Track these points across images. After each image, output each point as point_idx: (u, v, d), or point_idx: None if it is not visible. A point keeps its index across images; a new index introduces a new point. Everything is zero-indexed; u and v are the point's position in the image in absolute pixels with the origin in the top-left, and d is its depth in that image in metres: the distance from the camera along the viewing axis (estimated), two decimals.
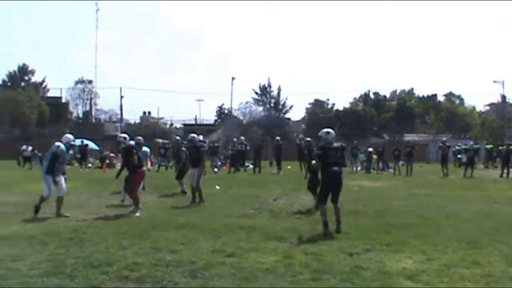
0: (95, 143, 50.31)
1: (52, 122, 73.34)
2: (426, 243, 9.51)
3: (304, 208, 14.35)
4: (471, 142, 39.24)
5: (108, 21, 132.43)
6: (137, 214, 12.90)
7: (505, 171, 30.42)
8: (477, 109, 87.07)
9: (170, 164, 34.10)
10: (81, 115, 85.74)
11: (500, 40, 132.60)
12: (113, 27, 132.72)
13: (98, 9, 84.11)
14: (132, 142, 14.72)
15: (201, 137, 32.03)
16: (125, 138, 14.00)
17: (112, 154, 40.29)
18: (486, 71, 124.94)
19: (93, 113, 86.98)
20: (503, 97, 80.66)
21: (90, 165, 39.59)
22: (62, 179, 13.17)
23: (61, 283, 6.94)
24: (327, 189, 11.06)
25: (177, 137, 27.63)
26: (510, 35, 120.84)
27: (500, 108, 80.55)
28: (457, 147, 44.43)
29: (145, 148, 18.46)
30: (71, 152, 13.60)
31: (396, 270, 7.65)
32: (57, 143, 13.26)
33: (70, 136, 13.70)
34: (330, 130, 11.48)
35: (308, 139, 14.92)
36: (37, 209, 12.74)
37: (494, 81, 75.20)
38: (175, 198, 17.10)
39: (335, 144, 11.28)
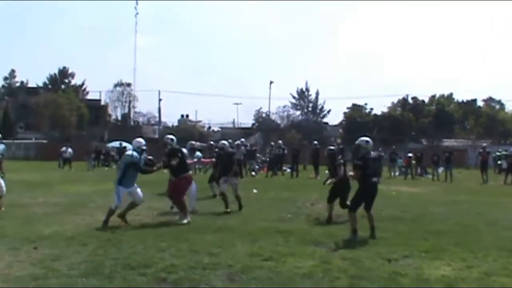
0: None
1: (91, 125, 74.35)
2: (465, 251, 9.40)
3: (341, 213, 14.25)
4: None
5: (147, 24, 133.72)
6: (185, 221, 12.29)
7: None
8: None
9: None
10: (119, 118, 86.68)
11: None
12: (152, 31, 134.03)
13: (137, 13, 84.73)
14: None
15: (242, 140, 32.30)
16: (172, 139, 13.45)
17: (150, 157, 40.61)
18: None
19: (131, 116, 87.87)
20: None
21: None
22: (137, 189, 12.45)
23: (99, 283, 7.01)
24: (362, 199, 10.99)
25: (211, 141, 27.96)
26: None
27: None
28: (497, 153, 43.75)
29: (198, 153, 18.25)
30: (144, 155, 12.74)
31: (435, 277, 7.58)
32: (129, 152, 12.47)
33: (141, 140, 12.78)
34: (368, 139, 11.26)
35: (332, 147, 14.38)
36: (105, 223, 11.79)
37: None
38: (212, 201, 17.14)
39: (373, 154, 11.25)
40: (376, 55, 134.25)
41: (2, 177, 14.35)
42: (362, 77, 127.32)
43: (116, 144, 44.42)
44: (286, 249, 9.16)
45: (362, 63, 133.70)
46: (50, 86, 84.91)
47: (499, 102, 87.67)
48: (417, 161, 35.73)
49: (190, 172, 14.03)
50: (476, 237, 10.94)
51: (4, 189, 14.17)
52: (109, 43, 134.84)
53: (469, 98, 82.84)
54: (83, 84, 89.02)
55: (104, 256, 8.49)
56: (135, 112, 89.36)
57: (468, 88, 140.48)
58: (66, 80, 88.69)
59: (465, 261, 8.62)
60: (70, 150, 40.29)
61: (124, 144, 43.10)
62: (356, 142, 11.21)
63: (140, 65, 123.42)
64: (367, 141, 11.14)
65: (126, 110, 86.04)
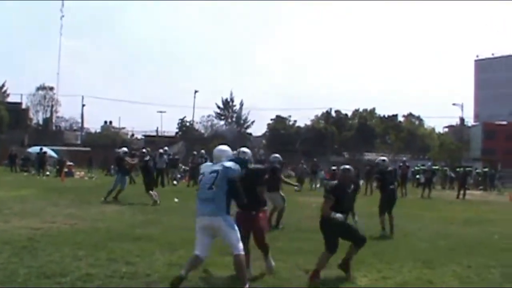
0: (54, 151, 49.63)
1: (11, 128, 72.22)
2: (381, 262, 9.62)
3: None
4: (429, 163, 39.83)
5: (73, 28, 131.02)
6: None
7: (462, 192, 30.96)
8: (436, 131, 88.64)
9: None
10: (41, 122, 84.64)
11: (460, 63, 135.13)
12: (78, 35, 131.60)
13: (63, 15, 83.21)
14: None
15: (166, 148, 32.11)
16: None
17: (70, 163, 39.86)
18: (446, 94, 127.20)
19: (53, 121, 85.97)
20: (462, 119, 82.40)
21: (48, 173, 39.00)
22: None
23: None
24: (387, 204, 13.78)
25: (143, 150, 27.78)
26: (469, 59, 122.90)
27: (459, 130, 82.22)
28: (416, 168, 44.95)
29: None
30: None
31: None
32: (227, 164, 7.65)
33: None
34: (385, 158, 14.91)
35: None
36: None
37: (454, 104, 76.84)
38: (133, 209, 16.94)
39: (390, 168, 14.31)
40: (301, 68, 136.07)
41: None
42: (286, 89, 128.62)
43: (36, 149, 43.23)
44: (206, 259, 9.13)
45: (286, 76, 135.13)
46: None
47: (418, 118, 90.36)
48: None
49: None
50: (392, 249, 11.21)
51: None
52: (32, 45, 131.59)
53: (391, 113, 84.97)
54: (3, 86, 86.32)
55: (19, 264, 8.25)
56: (57, 117, 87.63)
57: (389, 103, 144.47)
58: None
59: (381, 272, 8.82)
60: None
61: (45, 149, 42.07)
62: (376, 161, 14.63)
63: (64, 69, 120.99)
64: (383, 160, 14.73)
65: (48, 115, 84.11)
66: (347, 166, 9.19)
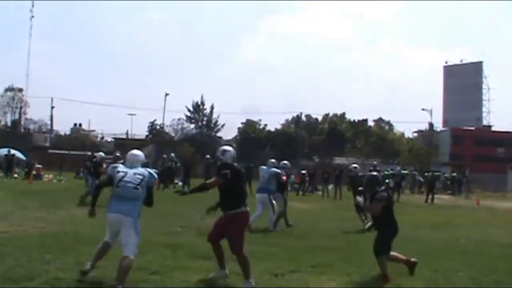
0: (22, 153, 49.07)
1: None
2: (351, 266, 9.70)
3: None
4: (399, 168, 40.17)
5: (42, 30, 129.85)
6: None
7: (430, 197, 31.30)
8: (406, 136, 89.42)
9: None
10: (9, 124, 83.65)
11: (429, 68, 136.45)
12: (48, 37, 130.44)
13: (32, 16, 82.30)
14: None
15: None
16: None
17: (39, 165, 39.45)
18: (416, 99, 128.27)
19: (22, 123, 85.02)
20: (431, 125, 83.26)
21: (16, 175, 38.56)
22: None
23: None
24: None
25: (117, 154, 28.00)
26: (437, 65, 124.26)
27: (428, 135, 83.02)
28: (385, 172, 45.25)
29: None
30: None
31: None
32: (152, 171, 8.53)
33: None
34: (356, 165, 16.01)
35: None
36: None
37: (423, 109, 77.44)
38: (103, 213, 16.78)
39: (360, 174, 14.35)
40: (271, 71, 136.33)
41: None
42: (257, 93, 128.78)
43: (4, 151, 42.71)
44: (174, 263, 9.13)
45: (257, 79, 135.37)
46: None
47: (388, 123, 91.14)
48: (310, 178, 36.46)
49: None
50: (361, 253, 11.25)
51: None
52: (1, 46, 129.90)
53: (361, 118, 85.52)
54: None
55: None
56: (26, 119, 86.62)
57: (359, 108, 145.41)
58: None
59: (350, 276, 8.91)
60: None
61: (13, 151, 41.59)
62: (349, 168, 15.02)
63: (33, 70, 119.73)
64: (355, 167, 15.56)
65: (17, 116, 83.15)
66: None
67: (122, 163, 9.33)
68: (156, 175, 8.34)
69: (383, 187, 10.25)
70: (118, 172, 8.10)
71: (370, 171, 32.98)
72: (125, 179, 7.95)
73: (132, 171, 8.06)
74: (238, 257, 8.15)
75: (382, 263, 9.05)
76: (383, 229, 9.75)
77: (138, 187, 7.93)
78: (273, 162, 16.19)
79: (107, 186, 8.55)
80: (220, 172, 8.47)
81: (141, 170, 8.14)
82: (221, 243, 8.58)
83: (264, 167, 15.97)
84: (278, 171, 15.67)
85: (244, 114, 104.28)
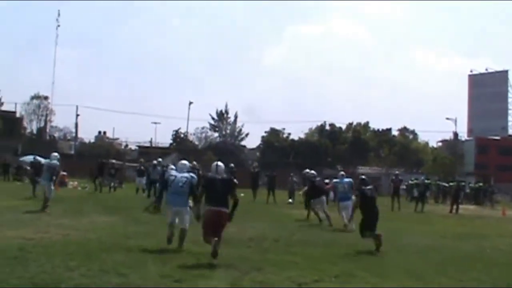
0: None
1: (5, 137, 71.98)
2: (373, 275, 9.60)
3: (255, 236, 14.35)
4: (423, 177, 39.83)
5: (68, 38, 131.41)
6: None
7: (454, 207, 30.99)
8: (430, 145, 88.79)
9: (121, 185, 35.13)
10: (35, 131, 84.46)
11: (454, 77, 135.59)
12: (74, 45, 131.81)
13: (59, 25, 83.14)
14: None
15: (160, 160, 32.33)
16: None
17: (64, 173, 39.72)
18: (440, 108, 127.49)
19: (47, 130, 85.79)
20: (455, 134, 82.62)
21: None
22: None
23: None
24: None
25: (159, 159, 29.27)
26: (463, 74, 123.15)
27: (452, 145, 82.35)
28: (410, 182, 44.84)
29: None
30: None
31: None
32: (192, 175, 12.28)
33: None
34: (364, 176, 15.20)
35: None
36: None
37: (447, 118, 76.92)
38: (126, 220, 16.90)
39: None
40: (296, 81, 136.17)
41: None
42: (281, 102, 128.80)
43: (30, 158, 43.04)
44: (197, 271, 9.12)
45: (281, 88, 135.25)
46: None
47: (412, 132, 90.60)
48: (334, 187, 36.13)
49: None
50: (384, 262, 11.22)
51: None
52: (27, 54, 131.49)
53: (385, 127, 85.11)
54: None
55: (10, 275, 8.20)
56: (52, 127, 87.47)
57: (383, 117, 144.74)
58: None
59: (372, 286, 8.81)
60: None
61: (39, 158, 41.91)
62: (360, 177, 14.90)
63: (59, 78, 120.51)
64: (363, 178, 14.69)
65: (42, 124, 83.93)
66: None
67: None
68: (196, 177, 12.20)
69: (369, 187, 13.90)
70: (171, 176, 12.11)
71: (392, 180, 33.02)
72: (175, 181, 11.73)
73: (180, 175, 11.86)
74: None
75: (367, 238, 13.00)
76: (363, 216, 13.36)
77: (184, 185, 11.61)
78: (342, 175, 20.18)
79: (164, 187, 13.27)
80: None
81: (186, 174, 11.92)
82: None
83: (337, 179, 20.29)
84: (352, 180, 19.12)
85: (267, 123, 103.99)
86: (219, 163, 11.28)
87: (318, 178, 21.82)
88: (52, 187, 19.37)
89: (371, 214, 13.30)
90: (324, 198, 20.09)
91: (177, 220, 11.77)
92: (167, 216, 12.20)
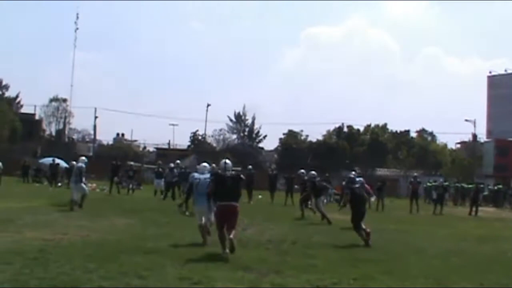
0: (66, 162, 49.73)
1: (24, 139, 72.46)
2: (393, 279, 9.55)
3: (274, 238, 14.33)
4: (441, 180, 39.63)
5: (87, 41, 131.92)
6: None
7: (474, 209, 30.78)
8: (449, 147, 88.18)
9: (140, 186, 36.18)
10: (54, 134, 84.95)
11: (472, 79, 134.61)
12: (92, 48, 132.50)
13: (77, 28, 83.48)
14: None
15: (178, 162, 32.53)
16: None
17: None
18: (459, 110, 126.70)
19: (66, 132, 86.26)
20: (474, 136, 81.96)
21: (60, 184, 39.13)
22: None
23: None
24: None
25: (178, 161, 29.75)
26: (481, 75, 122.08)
27: (471, 146, 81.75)
28: (428, 184, 44.58)
29: None
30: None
31: None
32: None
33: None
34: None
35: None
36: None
37: (466, 120, 76.36)
38: (144, 222, 16.94)
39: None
40: (314, 82, 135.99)
41: None
42: (299, 104, 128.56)
43: (49, 160, 43.37)
44: (216, 273, 9.10)
45: (299, 90, 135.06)
46: None
47: (431, 133, 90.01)
48: None
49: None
50: (404, 266, 11.14)
51: None
52: (46, 56, 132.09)
53: (403, 129, 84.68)
54: (17, 96, 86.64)
55: (30, 276, 8.25)
56: (70, 129, 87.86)
57: (401, 119, 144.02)
58: (0, 92, 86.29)
59: None
60: None
61: (57, 160, 42.22)
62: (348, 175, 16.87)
63: (77, 81, 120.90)
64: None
65: (61, 126, 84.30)
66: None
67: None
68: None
69: (357, 185, 16.15)
70: (195, 179, 13.25)
71: (410, 182, 32.84)
72: (200, 183, 12.88)
73: (203, 177, 13.03)
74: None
75: (360, 233, 14.30)
76: (353, 212, 14.80)
77: (209, 187, 12.14)
78: (354, 174, 20.88)
79: (191, 190, 13.93)
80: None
81: (208, 175, 13.01)
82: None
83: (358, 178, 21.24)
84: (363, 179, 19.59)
85: (286, 125, 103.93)
86: (227, 161, 12.25)
87: (317, 178, 23.39)
88: (84, 186, 20.99)
89: (362, 210, 14.94)
90: (323, 197, 22.65)
91: (203, 219, 12.76)
92: (197, 218, 13.09)
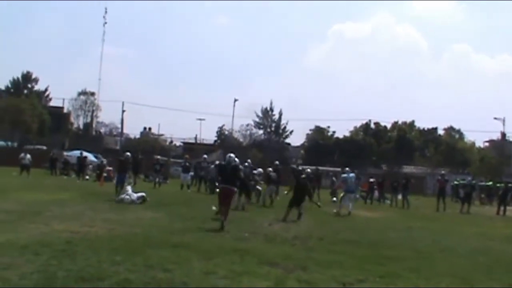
0: (94, 155, 50.12)
1: (53, 132, 73.19)
2: (419, 277, 9.48)
3: (300, 235, 14.31)
4: (469, 178, 39.23)
5: (115, 35, 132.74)
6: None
7: (502, 208, 30.41)
8: (477, 145, 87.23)
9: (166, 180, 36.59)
10: (81, 127, 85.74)
11: (501, 77, 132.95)
12: (120, 41, 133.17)
13: (105, 22, 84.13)
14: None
15: (205, 156, 32.76)
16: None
17: (110, 168, 40.17)
18: (488, 108, 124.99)
19: (93, 126, 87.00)
20: (503, 134, 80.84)
21: (87, 177, 39.43)
22: None
23: None
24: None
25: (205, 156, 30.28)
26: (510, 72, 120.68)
27: (500, 145, 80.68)
28: (455, 182, 44.08)
29: None
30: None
31: None
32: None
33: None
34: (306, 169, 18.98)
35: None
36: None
37: (495, 118, 75.36)
38: (171, 216, 17.00)
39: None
40: (341, 79, 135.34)
41: None
42: (326, 100, 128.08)
43: (76, 153, 43.74)
44: (241, 268, 9.11)
45: (326, 86, 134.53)
46: (12, 90, 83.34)
47: (459, 131, 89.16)
48: (378, 187, 35.85)
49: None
50: (430, 264, 11.06)
51: None
52: (75, 50, 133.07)
53: (430, 126, 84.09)
54: (46, 90, 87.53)
55: (57, 267, 8.33)
56: (98, 122, 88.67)
57: (429, 116, 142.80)
58: (29, 85, 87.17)
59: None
60: (28, 156, 39.37)
61: (85, 153, 42.58)
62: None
63: (105, 75, 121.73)
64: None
65: (89, 119, 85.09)
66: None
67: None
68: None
69: (303, 175, 21.05)
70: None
71: (437, 180, 32.50)
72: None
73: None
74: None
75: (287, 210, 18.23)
76: (293, 195, 19.31)
77: None
78: (348, 170, 24.70)
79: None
80: None
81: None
82: None
83: (345, 175, 24.71)
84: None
85: (313, 121, 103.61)
86: (231, 154, 15.99)
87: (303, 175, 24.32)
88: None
89: (300, 196, 19.26)
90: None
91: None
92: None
